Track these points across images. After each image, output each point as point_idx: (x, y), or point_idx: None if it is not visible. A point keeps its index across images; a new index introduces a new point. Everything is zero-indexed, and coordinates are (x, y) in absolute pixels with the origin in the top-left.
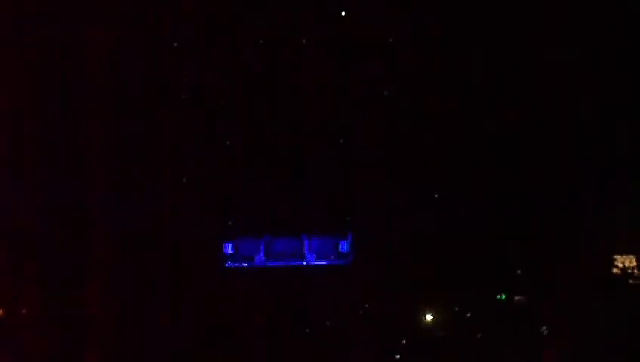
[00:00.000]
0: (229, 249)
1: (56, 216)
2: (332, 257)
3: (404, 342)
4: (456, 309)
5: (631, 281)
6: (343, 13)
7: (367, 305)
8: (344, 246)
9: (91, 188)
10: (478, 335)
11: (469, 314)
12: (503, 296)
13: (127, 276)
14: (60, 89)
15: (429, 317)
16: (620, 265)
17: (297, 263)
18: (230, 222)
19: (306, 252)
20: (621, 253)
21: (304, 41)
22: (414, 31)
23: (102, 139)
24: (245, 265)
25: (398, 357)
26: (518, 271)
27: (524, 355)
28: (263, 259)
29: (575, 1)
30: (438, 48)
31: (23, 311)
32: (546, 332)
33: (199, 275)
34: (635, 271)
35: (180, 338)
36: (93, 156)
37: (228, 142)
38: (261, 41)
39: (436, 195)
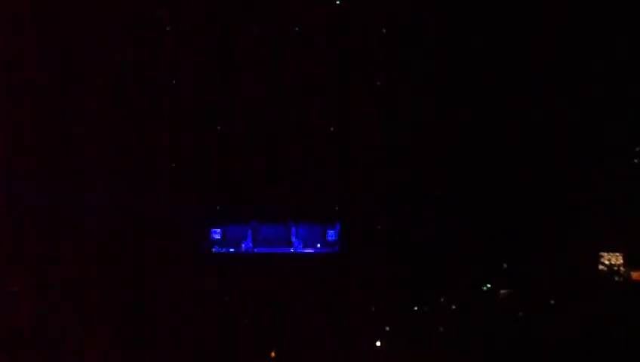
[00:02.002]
0: (217, 234)
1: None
2: (319, 245)
3: (387, 329)
4: (442, 300)
5: (616, 278)
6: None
7: (353, 293)
8: (332, 234)
9: (80, 172)
10: (463, 325)
11: (454, 305)
12: (488, 286)
13: (116, 260)
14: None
15: (414, 306)
16: (607, 261)
17: (284, 250)
18: (218, 208)
19: (293, 239)
20: (607, 251)
21: (296, 29)
22: (412, 25)
23: (90, 123)
24: (232, 250)
25: (378, 343)
26: (504, 265)
27: (506, 344)
28: (251, 244)
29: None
30: (433, 42)
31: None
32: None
33: (187, 259)
34: (621, 268)
35: (167, 322)
36: (82, 140)
37: (218, 128)
38: (256, 35)
39: (425, 187)
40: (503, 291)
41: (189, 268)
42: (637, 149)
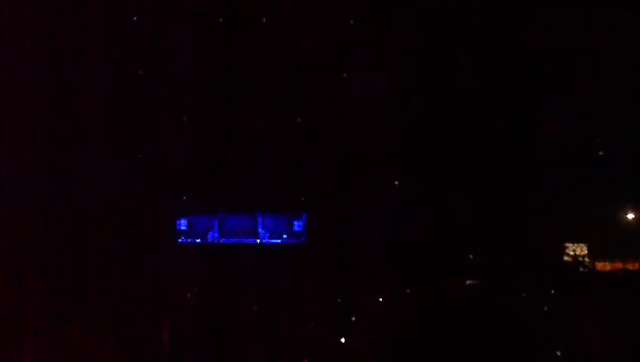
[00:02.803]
0: (183, 225)
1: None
2: (286, 236)
3: (353, 319)
4: (407, 291)
5: (581, 269)
6: None
7: (319, 284)
8: (298, 225)
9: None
10: (429, 316)
11: (419, 296)
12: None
13: (81, 251)
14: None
15: (379, 298)
16: (571, 252)
17: (251, 241)
18: (184, 198)
19: (260, 230)
20: (572, 241)
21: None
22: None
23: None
24: (199, 241)
25: (343, 339)
26: (470, 256)
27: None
28: (217, 235)
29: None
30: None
31: None
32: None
33: (153, 250)
34: (586, 259)
35: (134, 314)
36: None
37: (184, 119)
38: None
39: (392, 178)
40: (468, 282)
41: (156, 258)
42: (598, 140)
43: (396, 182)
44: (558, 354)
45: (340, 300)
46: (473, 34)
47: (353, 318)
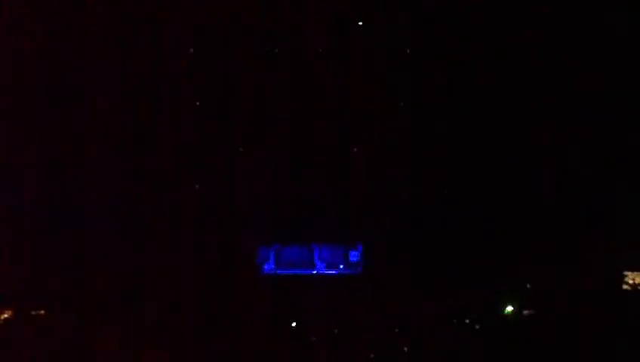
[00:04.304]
0: None
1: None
2: (342, 266)
3: (405, 349)
4: (467, 321)
5: None
6: None
7: (377, 314)
8: (354, 255)
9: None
10: (485, 347)
11: (477, 326)
12: (510, 309)
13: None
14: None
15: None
16: (631, 281)
17: (307, 271)
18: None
19: (316, 261)
20: (632, 270)
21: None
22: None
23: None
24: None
25: None
26: (528, 286)
27: None
28: (273, 266)
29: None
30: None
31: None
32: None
33: (213, 283)
34: None
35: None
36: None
37: (241, 150)
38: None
39: (446, 206)
40: (525, 312)
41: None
42: None
43: (452, 211)
44: None
45: (396, 330)
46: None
47: (406, 349)
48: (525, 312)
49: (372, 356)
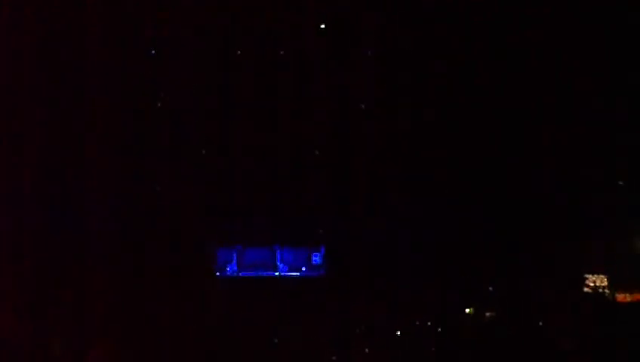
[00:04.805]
0: None
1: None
2: (304, 269)
3: (367, 351)
4: (429, 323)
5: (601, 300)
6: None
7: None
8: (317, 258)
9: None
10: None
11: (439, 328)
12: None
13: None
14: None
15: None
16: (591, 284)
17: (269, 274)
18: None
19: (278, 263)
20: (592, 273)
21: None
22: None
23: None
24: (218, 274)
25: None
26: (490, 288)
27: None
28: (235, 268)
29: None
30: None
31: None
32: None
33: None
34: (606, 290)
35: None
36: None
37: (203, 151)
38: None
39: (407, 207)
40: (488, 314)
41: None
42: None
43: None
44: None
45: (358, 331)
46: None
47: (368, 350)
48: (487, 314)
49: (334, 358)
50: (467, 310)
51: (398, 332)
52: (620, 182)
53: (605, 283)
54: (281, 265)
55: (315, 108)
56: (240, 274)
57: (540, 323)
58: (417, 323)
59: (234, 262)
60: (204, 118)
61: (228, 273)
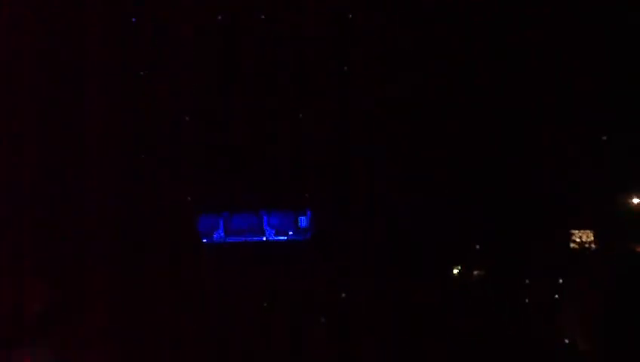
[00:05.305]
0: None
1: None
2: (291, 233)
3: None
4: (413, 284)
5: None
6: None
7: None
8: (303, 221)
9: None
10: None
11: (426, 289)
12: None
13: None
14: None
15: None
16: (578, 239)
17: (257, 239)
18: (189, 199)
19: (265, 227)
20: (579, 228)
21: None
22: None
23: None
24: (204, 240)
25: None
26: (477, 246)
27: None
28: (223, 234)
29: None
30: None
31: None
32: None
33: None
34: (592, 245)
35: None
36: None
37: (187, 119)
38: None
39: (395, 171)
40: (475, 272)
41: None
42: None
43: (402, 177)
44: (566, 341)
45: (344, 295)
46: (473, 34)
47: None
48: (475, 273)
49: (322, 320)
50: (455, 270)
51: (385, 294)
52: (603, 137)
53: (591, 239)
54: (268, 230)
55: (303, 75)
56: (227, 239)
57: (527, 282)
58: (405, 283)
59: (221, 228)
60: (189, 87)
61: (215, 239)
